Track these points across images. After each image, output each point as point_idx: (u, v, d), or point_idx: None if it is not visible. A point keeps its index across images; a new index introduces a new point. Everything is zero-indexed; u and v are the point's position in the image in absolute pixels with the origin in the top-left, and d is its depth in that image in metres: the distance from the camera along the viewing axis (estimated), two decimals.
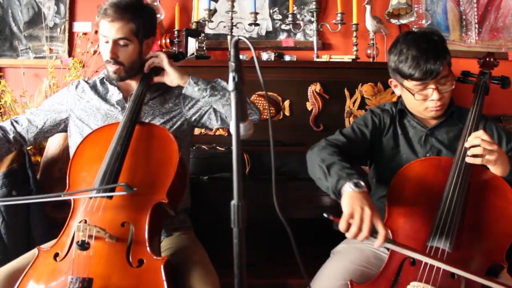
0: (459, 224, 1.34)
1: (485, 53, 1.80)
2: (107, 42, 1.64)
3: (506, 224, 1.38)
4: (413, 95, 1.54)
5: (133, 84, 1.75)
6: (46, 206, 2.02)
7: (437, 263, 1.27)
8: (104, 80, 1.78)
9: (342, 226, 1.25)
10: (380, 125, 1.68)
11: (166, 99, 1.77)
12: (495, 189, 1.43)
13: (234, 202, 0.93)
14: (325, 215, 1.26)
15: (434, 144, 1.62)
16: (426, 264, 1.30)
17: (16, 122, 1.74)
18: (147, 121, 1.68)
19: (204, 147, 2.24)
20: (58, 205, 2.03)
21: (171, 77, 1.68)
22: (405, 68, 1.52)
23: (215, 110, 1.74)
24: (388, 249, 1.50)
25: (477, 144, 1.38)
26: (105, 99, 1.75)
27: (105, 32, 1.63)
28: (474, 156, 1.40)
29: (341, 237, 1.73)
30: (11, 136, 1.71)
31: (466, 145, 1.43)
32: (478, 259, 1.34)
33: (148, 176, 1.45)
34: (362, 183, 1.34)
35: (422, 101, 1.56)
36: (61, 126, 1.77)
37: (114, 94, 1.75)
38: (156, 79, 1.72)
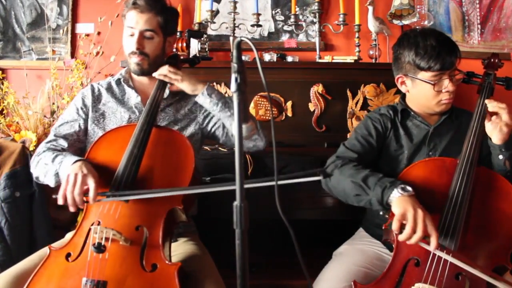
0: (464, 225, 1.34)
1: (487, 54, 1.80)
2: (132, 35, 1.65)
3: (511, 226, 1.38)
4: (433, 85, 1.55)
5: (152, 87, 1.71)
6: (49, 207, 2.03)
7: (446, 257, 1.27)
8: (122, 81, 1.76)
9: (394, 226, 1.26)
10: (383, 130, 1.67)
11: (182, 106, 1.77)
12: (499, 191, 1.43)
13: (236, 203, 0.93)
14: (381, 213, 1.29)
15: (438, 141, 1.63)
16: (431, 265, 1.30)
17: (55, 141, 1.63)
18: None
19: (207, 148, 2.24)
20: (61, 206, 2.03)
21: (185, 89, 1.68)
22: (424, 59, 1.54)
23: (223, 126, 1.74)
24: (390, 251, 1.50)
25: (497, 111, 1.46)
26: (122, 102, 1.73)
27: (133, 23, 1.64)
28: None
29: (342, 238, 1.73)
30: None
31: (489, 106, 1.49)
32: (482, 261, 1.34)
33: (165, 181, 1.44)
34: (409, 188, 1.35)
35: (437, 93, 1.57)
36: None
37: (132, 97, 1.74)
38: (174, 87, 1.72)
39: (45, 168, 1.51)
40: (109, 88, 1.77)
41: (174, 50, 1.92)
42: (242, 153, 0.95)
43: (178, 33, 2.74)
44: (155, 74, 1.67)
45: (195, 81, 1.68)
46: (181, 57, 1.85)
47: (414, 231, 1.25)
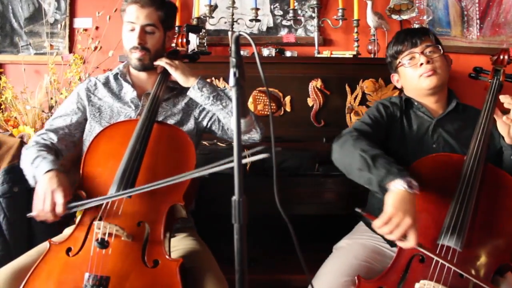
0: (470, 223, 1.32)
1: (486, 49, 1.80)
2: (132, 30, 1.65)
3: None
4: (404, 64, 1.66)
5: (150, 82, 1.74)
6: None
7: (447, 264, 1.26)
8: (119, 76, 1.76)
9: (377, 224, 1.23)
10: (392, 115, 1.70)
11: (179, 100, 1.77)
12: (506, 189, 1.41)
13: (235, 198, 0.93)
14: (357, 209, 1.23)
15: (442, 134, 1.63)
16: (436, 262, 1.28)
17: (45, 135, 1.64)
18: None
19: (205, 143, 2.23)
20: None
21: (178, 79, 1.68)
22: (394, 48, 1.70)
23: (219, 119, 1.73)
24: (391, 245, 1.50)
25: None
26: (118, 97, 1.73)
27: (133, 18, 1.63)
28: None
29: (342, 233, 1.74)
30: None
31: (504, 102, 1.47)
32: (488, 259, 1.32)
33: (167, 177, 1.44)
34: (415, 184, 1.28)
35: (414, 69, 1.64)
36: (83, 125, 1.72)
37: (128, 92, 1.73)
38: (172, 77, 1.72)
39: (25, 167, 1.51)
40: (106, 83, 1.76)
41: (173, 45, 1.91)
42: (240, 148, 0.95)
43: (176, 28, 2.74)
44: (156, 62, 1.69)
45: (188, 73, 1.68)
46: (182, 53, 1.85)
47: (391, 232, 1.22)
